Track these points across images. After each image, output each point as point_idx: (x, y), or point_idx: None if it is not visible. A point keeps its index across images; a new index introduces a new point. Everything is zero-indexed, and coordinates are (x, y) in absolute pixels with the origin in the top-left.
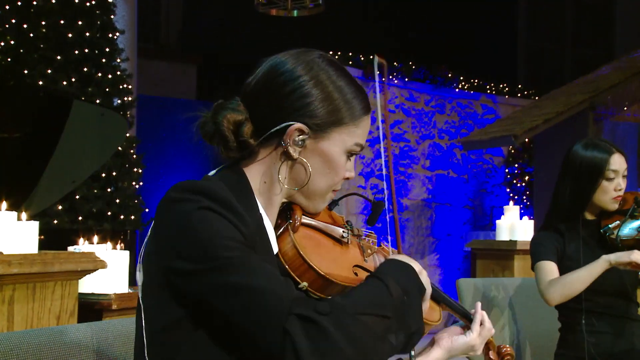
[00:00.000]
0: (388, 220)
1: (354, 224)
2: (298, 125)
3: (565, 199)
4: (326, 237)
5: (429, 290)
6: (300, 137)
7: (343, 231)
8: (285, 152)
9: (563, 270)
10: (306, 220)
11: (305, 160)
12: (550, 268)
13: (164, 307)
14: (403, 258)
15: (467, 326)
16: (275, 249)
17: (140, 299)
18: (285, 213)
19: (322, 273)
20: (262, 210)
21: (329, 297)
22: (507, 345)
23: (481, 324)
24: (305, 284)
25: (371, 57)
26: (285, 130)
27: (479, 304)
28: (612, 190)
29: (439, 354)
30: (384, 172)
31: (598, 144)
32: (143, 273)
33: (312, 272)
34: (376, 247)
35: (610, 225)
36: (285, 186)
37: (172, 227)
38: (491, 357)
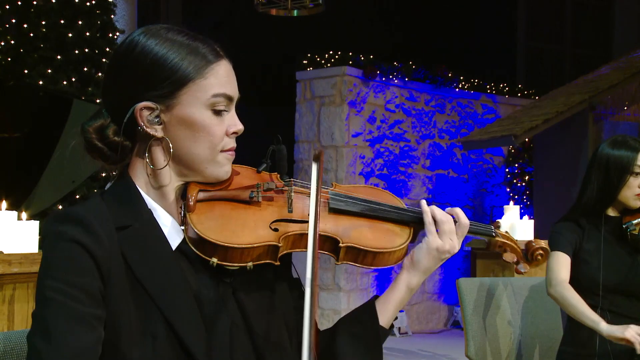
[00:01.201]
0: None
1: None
2: (141, 104)
3: (593, 194)
4: (231, 203)
5: None
6: (152, 114)
7: (251, 191)
8: (148, 135)
9: (579, 264)
10: (205, 195)
11: (168, 136)
12: (564, 261)
13: None
14: None
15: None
16: (178, 240)
17: None
18: (184, 196)
19: (221, 243)
20: (154, 206)
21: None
22: (538, 240)
23: (438, 222)
24: (214, 260)
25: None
26: (134, 115)
27: (422, 202)
28: (636, 187)
29: (403, 276)
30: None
31: (626, 142)
32: None
33: (212, 245)
34: (292, 193)
35: (633, 222)
36: (161, 168)
37: (40, 266)
38: (508, 259)
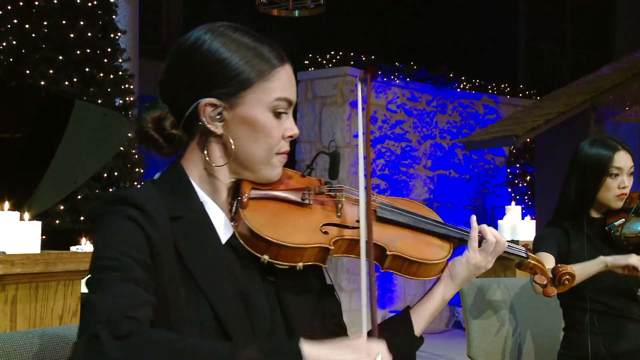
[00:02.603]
0: (362, 173)
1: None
2: (206, 100)
3: (571, 196)
4: (283, 204)
5: None
6: (215, 111)
7: (303, 193)
8: (208, 131)
9: None
10: (258, 193)
11: (229, 134)
12: (547, 258)
13: None
14: (314, 346)
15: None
16: (227, 234)
17: None
18: (237, 192)
19: (275, 240)
20: (206, 199)
21: (155, 331)
22: (565, 265)
23: (484, 239)
24: (265, 257)
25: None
26: (197, 110)
27: (472, 219)
28: (615, 188)
29: (440, 289)
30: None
31: (604, 141)
32: None
33: (265, 243)
34: (344, 199)
35: (615, 223)
36: (219, 165)
37: (94, 243)
38: (538, 282)
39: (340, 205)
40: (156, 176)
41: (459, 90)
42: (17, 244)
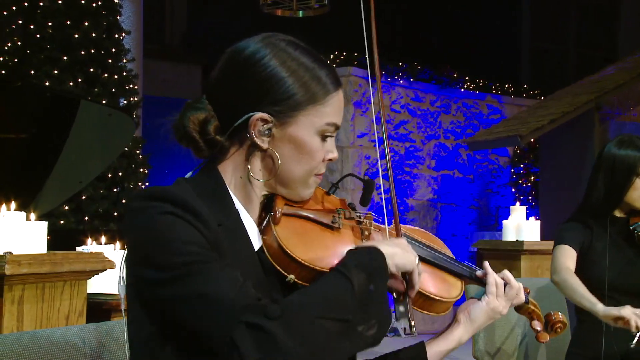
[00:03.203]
0: (384, 199)
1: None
2: (259, 115)
3: (599, 195)
4: (314, 224)
5: (410, 264)
6: (265, 126)
7: (333, 216)
8: (254, 144)
9: (588, 265)
10: (290, 210)
11: (274, 149)
12: (569, 253)
13: (140, 321)
14: (374, 243)
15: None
16: (258, 245)
17: (123, 312)
18: (269, 206)
19: (306, 263)
20: (240, 207)
21: (285, 299)
22: (557, 312)
23: (499, 285)
24: (292, 276)
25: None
26: (247, 122)
27: (487, 264)
28: None
29: (459, 331)
30: (379, 149)
31: (633, 142)
32: (126, 287)
33: (295, 263)
34: (372, 227)
35: (639, 223)
36: (260, 179)
37: (139, 238)
38: (535, 327)
39: (367, 233)
40: (187, 175)
41: (462, 90)
42: (24, 244)
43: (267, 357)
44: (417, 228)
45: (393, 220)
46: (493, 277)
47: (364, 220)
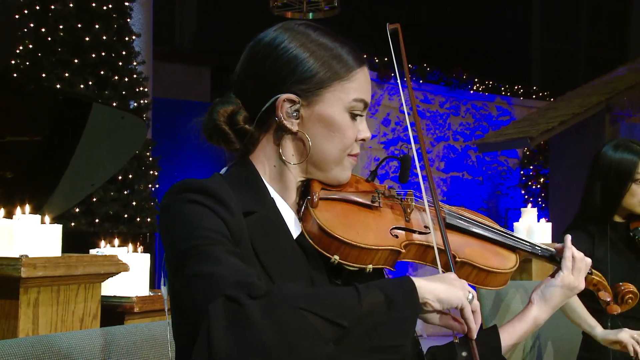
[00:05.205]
0: (420, 175)
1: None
2: (285, 96)
3: (595, 201)
4: (354, 206)
5: (456, 299)
6: (292, 107)
7: (373, 196)
8: (283, 128)
9: None
10: (327, 194)
11: (304, 132)
12: None
13: (179, 320)
14: (414, 277)
15: (559, 268)
16: (297, 231)
17: (167, 312)
18: (306, 192)
19: (348, 240)
20: (276, 196)
21: (283, 286)
22: (627, 283)
23: (576, 259)
24: (336, 257)
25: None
26: (274, 105)
27: (569, 237)
28: None
29: (533, 311)
30: (410, 131)
31: (629, 146)
32: (167, 285)
33: (337, 242)
34: (414, 204)
35: (639, 228)
36: (293, 163)
37: (165, 230)
38: (604, 298)
39: (409, 210)
40: (222, 171)
41: (472, 92)
42: (39, 247)
43: (235, 331)
44: (463, 207)
45: (433, 199)
46: (571, 251)
47: (406, 198)
